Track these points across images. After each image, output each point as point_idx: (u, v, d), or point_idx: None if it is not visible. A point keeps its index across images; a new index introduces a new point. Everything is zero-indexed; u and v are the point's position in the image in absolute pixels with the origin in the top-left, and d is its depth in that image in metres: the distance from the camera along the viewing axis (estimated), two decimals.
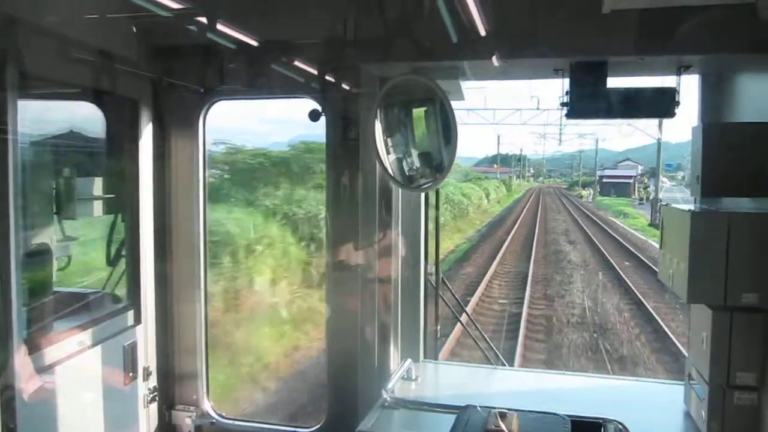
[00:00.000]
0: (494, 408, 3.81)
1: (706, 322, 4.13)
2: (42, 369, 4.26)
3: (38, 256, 4.50)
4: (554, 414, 3.86)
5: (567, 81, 4.70)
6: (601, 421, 3.90)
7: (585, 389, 5.49)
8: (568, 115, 4.76)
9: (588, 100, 4.68)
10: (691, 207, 4.27)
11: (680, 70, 4.63)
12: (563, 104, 4.71)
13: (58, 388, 4.38)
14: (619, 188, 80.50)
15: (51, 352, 4.36)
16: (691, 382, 4.55)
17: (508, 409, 3.75)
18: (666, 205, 4.66)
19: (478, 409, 3.88)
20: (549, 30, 4.39)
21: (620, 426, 3.94)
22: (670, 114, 4.66)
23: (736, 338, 4.02)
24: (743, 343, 4.01)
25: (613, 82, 4.67)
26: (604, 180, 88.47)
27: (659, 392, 5.42)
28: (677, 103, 4.63)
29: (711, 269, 3.95)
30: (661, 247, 4.68)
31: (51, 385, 4.31)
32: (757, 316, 3.99)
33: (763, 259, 3.88)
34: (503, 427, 3.62)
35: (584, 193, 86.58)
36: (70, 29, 4.22)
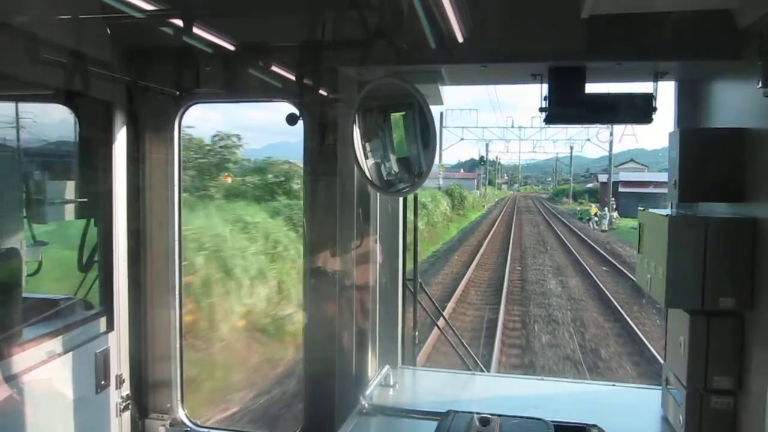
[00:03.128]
0: (475, 413, 3.78)
1: (684, 326, 4.14)
2: (10, 378, 4.14)
3: (6, 261, 4.39)
4: (537, 419, 3.84)
5: (545, 86, 4.71)
6: (583, 425, 3.88)
7: (563, 394, 5.49)
8: (547, 120, 4.78)
9: (566, 106, 4.70)
10: (669, 212, 4.28)
11: (657, 76, 4.67)
12: (541, 109, 4.71)
13: (26, 398, 4.27)
14: (650, 203, 33.56)
15: (19, 361, 4.25)
16: (669, 386, 4.56)
17: (491, 414, 3.72)
18: (644, 209, 4.68)
19: (460, 414, 3.85)
20: (527, 35, 4.40)
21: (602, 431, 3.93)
22: (648, 120, 4.69)
23: (714, 342, 4.04)
24: (720, 348, 4.03)
25: (591, 88, 4.70)
26: (622, 189, 59.83)
27: (637, 397, 5.43)
28: (654, 109, 4.66)
29: (689, 274, 3.97)
30: (638, 251, 4.70)
31: (19, 394, 4.20)
32: (734, 320, 4.02)
33: (740, 263, 3.91)
34: None
35: (594, 212, 56.25)
36: (42, 29, 4.13)
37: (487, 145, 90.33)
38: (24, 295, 4.62)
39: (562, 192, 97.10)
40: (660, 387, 4.86)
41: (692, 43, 4.18)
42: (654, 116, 4.68)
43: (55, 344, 4.62)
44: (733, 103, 4.33)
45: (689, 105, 4.89)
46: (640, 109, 4.69)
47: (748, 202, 3.97)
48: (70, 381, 4.77)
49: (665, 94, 4.94)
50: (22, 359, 4.27)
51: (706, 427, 4.09)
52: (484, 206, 79.35)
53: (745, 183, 3.98)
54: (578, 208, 73.68)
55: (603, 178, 67.15)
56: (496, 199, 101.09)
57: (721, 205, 4.34)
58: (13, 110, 4.88)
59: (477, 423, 3.66)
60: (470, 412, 3.79)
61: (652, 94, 4.68)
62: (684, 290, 4.01)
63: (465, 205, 62.11)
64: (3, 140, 4.48)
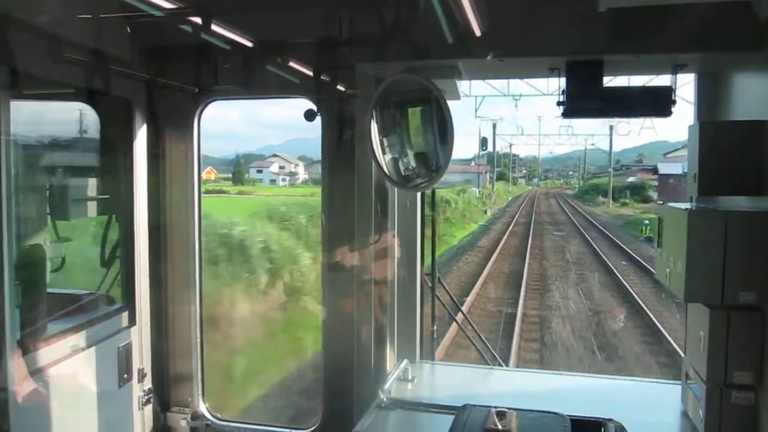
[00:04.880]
0: (492, 407, 3.78)
1: (704, 321, 4.11)
2: (35, 371, 4.22)
3: (31, 257, 4.47)
4: (554, 413, 3.83)
5: (563, 80, 4.69)
6: (601, 420, 3.88)
7: (582, 389, 5.47)
8: (565, 115, 4.75)
9: (584, 99, 4.67)
10: (688, 206, 4.25)
11: (676, 68, 4.62)
12: (559, 103, 4.69)
13: (51, 391, 4.34)
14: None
15: (44, 355, 4.33)
16: (688, 381, 4.53)
17: (508, 408, 3.72)
18: (663, 203, 4.65)
19: (476, 409, 3.85)
20: (544, 28, 4.38)
21: (620, 426, 3.92)
22: (667, 113, 4.64)
23: (734, 337, 4.00)
24: (740, 342, 4.00)
25: (609, 81, 4.67)
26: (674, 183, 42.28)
27: (656, 392, 5.40)
28: (673, 102, 4.62)
29: (708, 268, 3.94)
30: (658, 246, 4.67)
31: (44, 388, 4.28)
32: (754, 314, 3.98)
33: (760, 257, 3.87)
34: (502, 426, 3.59)
35: None
36: (63, 29, 4.19)
37: (494, 126, 70.14)
38: (48, 290, 4.70)
39: (594, 188, 74.64)
40: (680, 382, 4.83)
41: (711, 35, 4.14)
42: (673, 109, 4.64)
43: (79, 339, 4.70)
44: (754, 96, 4.28)
45: (708, 97, 4.84)
46: (659, 102, 4.65)
47: None
48: (94, 375, 4.84)
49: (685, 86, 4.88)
50: (47, 353, 4.35)
51: (726, 422, 4.06)
52: (486, 213, 55.71)
53: (765, 176, 3.93)
54: (628, 214, 51.66)
55: (666, 168, 48.79)
56: (509, 199, 76.23)
57: (742, 199, 4.30)
58: (36, 109, 4.95)
59: (493, 417, 3.66)
60: (487, 406, 3.79)
61: (671, 86, 4.64)
62: (704, 284, 3.98)
63: (449, 215, 40.58)
64: (26, 139, 4.55)
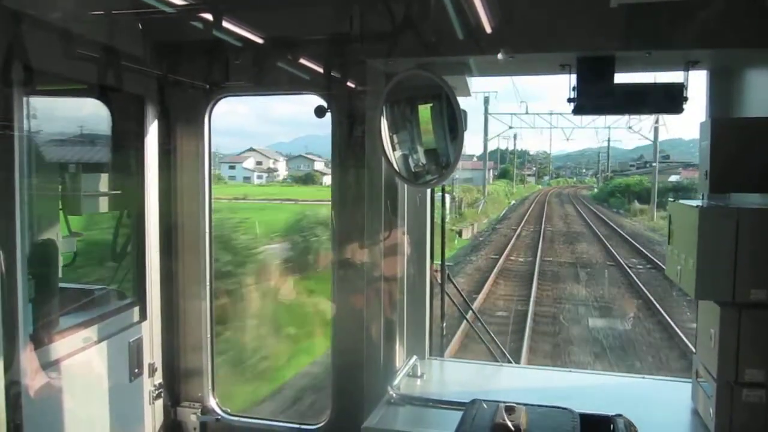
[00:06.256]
0: (501, 402, 3.78)
1: (715, 318, 4.10)
2: (47, 365, 4.26)
3: (43, 251, 4.50)
4: (563, 408, 3.82)
5: (574, 77, 4.67)
6: (610, 416, 3.87)
7: (592, 386, 5.46)
8: (575, 111, 4.74)
9: (595, 96, 4.66)
10: (700, 203, 4.23)
11: (688, 65, 4.60)
12: (570, 100, 4.68)
13: (63, 384, 4.38)
14: None
15: (56, 348, 4.37)
16: (699, 379, 4.51)
17: (516, 403, 3.72)
18: (674, 201, 4.63)
19: (485, 404, 3.85)
20: (555, 25, 4.37)
21: (629, 422, 3.90)
22: (679, 110, 4.63)
23: (745, 335, 3.99)
24: (752, 340, 3.98)
25: (620, 78, 4.65)
26: None
27: (666, 389, 5.38)
28: (685, 99, 4.60)
29: (719, 265, 3.92)
30: (669, 243, 4.65)
31: (56, 381, 4.32)
32: (765, 312, 3.96)
33: None
34: (511, 421, 3.58)
35: None
36: (76, 25, 4.21)
37: (486, 101, 54.63)
38: (60, 285, 4.73)
39: (622, 190, 56.70)
40: (690, 379, 4.81)
41: (724, 32, 4.11)
42: (685, 106, 4.62)
43: (90, 333, 4.74)
44: (766, 92, 4.26)
45: (721, 94, 4.82)
46: (671, 99, 4.63)
47: None
48: (105, 369, 4.88)
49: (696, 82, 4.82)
50: (59, 347, 4.38)
51: (736, 420, 4.04)
52: (472, 226, 39.26)
53: None
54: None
55: None
56: (510, 203, 59.45)
57: (754, 196, 4.28)
58: (49, 104, 4.98)
59: (502, 412, 3.65)
60: (495, 401, 3.79)
61: (682, 83, 4.62)
62: (714, 282, 3.97)
63: None
64: (39, 134, 4.58)
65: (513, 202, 62.16)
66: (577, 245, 33.20)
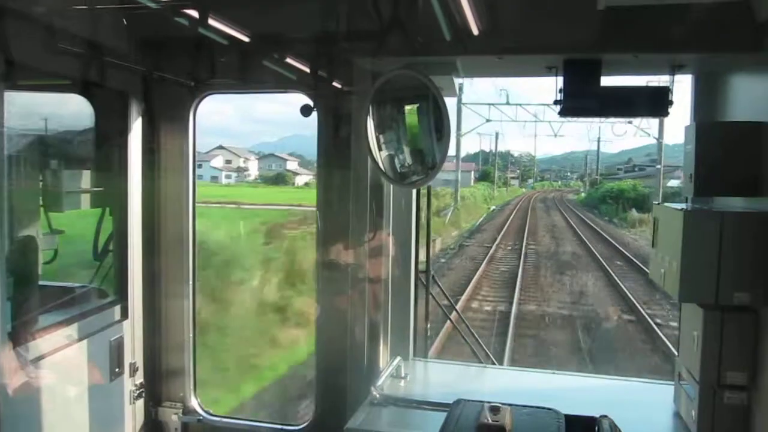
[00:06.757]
0: (486, 402, 3.77)
1: (698, 321, 4.12)
2: (26, 364, 4.19)
3: (23, 249, 4.44)
4: (548, 409, 3.82)
5: (561, 79, 4.68)
6: (595, 417, 3.87)
7: (575, 388, 5.47)
8: (562, 113, 4.74)
9: (581, 98, 4.66)
10: (684, 206, 4.25)
11: (674, 68, 4.62)
12: (556, 102, 4.68)
13: (42, 384, 4.31)
14: None
15: (36, 347, 4.30)
16: (681, 381, 4.54)
17: (501, 403, 3.71)
18: (658, 204, 4.65)
19: (469, 404, 3.84)
20: (542, 26, 4.37)
21: (613, 423, 3.91)
22: (664, 113, 4.64)
23: (727, 337, 4.01)
24: (734, 343, 4.01)
25: (607, 81, 4.66)
26: None
27: (649, 392, 5.40)
28: (671, 102, 4.61)
29: (703, 268, 3.94)
30: (653, 245, 4.67)
31: (35, 380, 4.25)
32: (748, 315, 3.99)
33: (754, 258, 3.88)
34: (496, 421, 3.57)
35: None
36: (59, 19, 4.16)
37: (460, 89, 40.04)
38: (40, 282, 4.67)
39: (614, 196, 51.99)
40: (673, 382, 4.83)
41: (710, 36, 4.14)
42: (670, 110, 4.64)
43: (70, 331, 4.67)
44: (751, 97, 4.29)
45: (706, 98, 4.85)
46: (657, 103, 4.64)
47: (764, 196, 3.94)
48: (85, 368, 4.82)
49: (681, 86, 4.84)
50: (38, 346, 4.32)
51: (718, 422, 4.06)
52: (434, 242, 22.68)
53: (761, 178, 3.94)
54: None
55: None
56: (491, 209, 52.47)
57: (737, 200, 4.30)
58: (31, 100, 4.92)
59: (487, 412, 3.64)
60: (480, 401, 3.78)
61: (668, 87, 4.64)
62: (698, 284, 3.98)
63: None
64: (20, 130, 4.52)
65: (493, 208, 54.50)
66: (572, 278, 24.40)
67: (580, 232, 37.32)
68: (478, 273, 23.65)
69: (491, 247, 30.99)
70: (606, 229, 39.65)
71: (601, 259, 26.97)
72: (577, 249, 31.26)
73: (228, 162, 58.77)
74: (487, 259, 27.32)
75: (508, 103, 48.20)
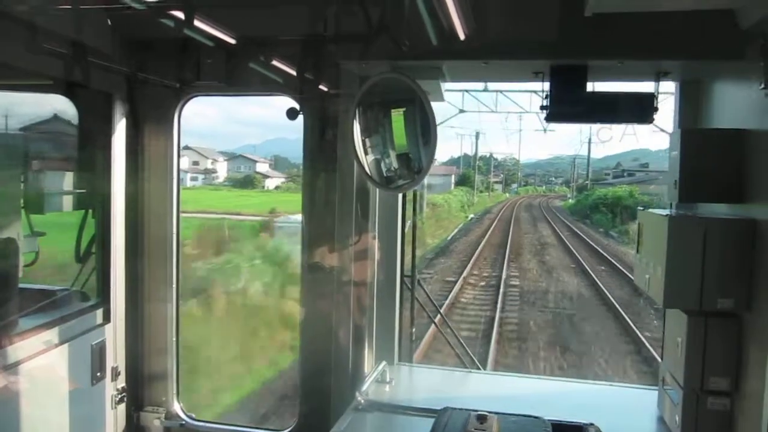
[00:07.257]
0: (472, 411, 3.76)
1: (681, 327, 4.14)
2: (5, 368, 4.14)
3: (3, 251, 4.38)
4: (535, 417, 3.82)
5: (547, 84, 4.69)
6: (581, 425, 3.88)
7: (560, 393, 5.48)
8: (548, 119, 4.76)
9: (567, 104, 4.69)
10: (669, 212, 4.28)
11: (659, 75, 4.65)
12: (543, 107, 4.69)
13: (22, 388, 4.26)
14: None
15: (15, 350, 4.24)
16: (665, 387, 4.55)
17: (488, 412, 3.70)
18: (643, 209, 4.67)
19: (457, 411, 3.83)
20: (529, 32, 4.38)
21: (600, 431, 3.92)
22: (649, 119, 4.68)
23: (711, 343, 4.03)
24: (718, 349, 4.03)
25: (593, 87, 4.68)
26: None
27: (633, 397, 5.42)
28: (655, 109, 4.65)
29: (687, 274, 3.96)
30: (637, 251, 4.69)
31: (15, 384, 4.19)
32: (731, 321, 4.01)
33: (738, 264, 3.90)
34: (482, 430, 3.56)
35: None
36: (43, 19, 4.11)
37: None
38: (21, 285, 4.60)
39: (609, 203, 47.79)
40: (657, 387, 4.85)
41: (694, 43, 4.17)
42: (655, 116, 4.67)
43: (51, 335, 4.61)
44: (735, 104, 4.32)
45: (690, 105, 4.88)
46: (642, 109, 4.68)
47: (748, 203, 3.97)
48: (66, 372, 4.75)
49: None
50: (17, 350, 4.25)
51: (702, 428, 4.08)
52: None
53: (745, 184, 3.97)
54: None
55: None
56: (468, 218, 46.45)
57: (721, 206, 4.33)
58: (13, 100, 4.86)
59: (474, 420, 3.63)
60: (467, 410, 3.77)
61: (653, 93, 4.67)
62: (682, 290, 4.00)
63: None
64: (2, 130, 4.46)
65: (471, 216, 47.90)
66: (579, 356, 15.54)
67: (576, 253, 30.46)
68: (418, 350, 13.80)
69: (456, 282, 22.39)
70: (601, 243, 34.21)
71: (620, 310, 18.37)
72: (578, 283, 22.90)
73: (195, 163, 56.65)
74: (445, 305, 18.61)
75: (486, 90, 41.16)
